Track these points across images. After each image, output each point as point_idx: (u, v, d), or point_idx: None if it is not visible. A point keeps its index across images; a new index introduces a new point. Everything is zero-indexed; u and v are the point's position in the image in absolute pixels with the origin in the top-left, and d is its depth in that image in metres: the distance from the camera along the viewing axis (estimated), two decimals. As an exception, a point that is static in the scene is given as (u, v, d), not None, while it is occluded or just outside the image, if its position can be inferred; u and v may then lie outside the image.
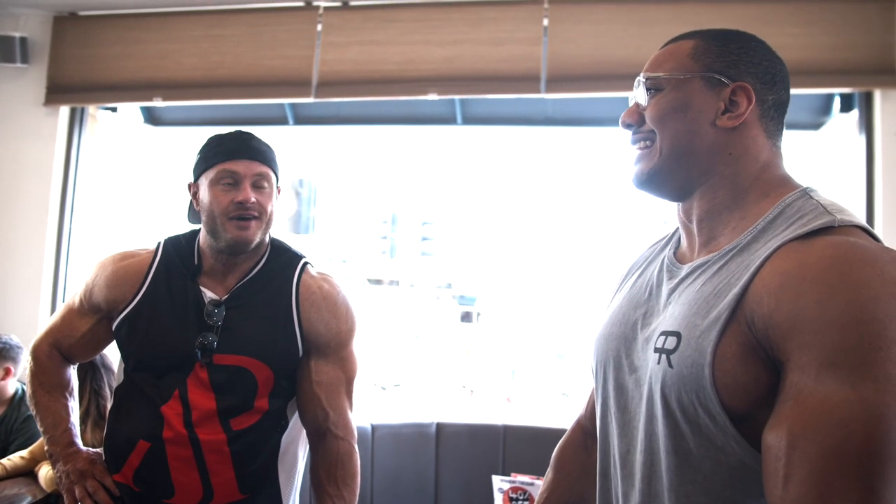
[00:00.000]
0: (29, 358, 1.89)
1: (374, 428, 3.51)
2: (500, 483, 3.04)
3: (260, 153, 1.77)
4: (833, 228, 0.93)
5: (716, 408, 0.92)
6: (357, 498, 1.82)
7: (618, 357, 1.13)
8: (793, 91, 1.12)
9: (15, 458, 3.08)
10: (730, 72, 1.06)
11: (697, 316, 0.97)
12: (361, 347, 1.90)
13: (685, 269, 1.08)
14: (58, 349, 1.88)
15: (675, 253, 1.16)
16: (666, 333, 1.00)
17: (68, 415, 1.87)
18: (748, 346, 0.91)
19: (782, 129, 1.10)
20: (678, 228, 1.18)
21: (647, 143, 1.11)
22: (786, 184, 1.06)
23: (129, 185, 4.44)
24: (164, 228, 1.93)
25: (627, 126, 1.14)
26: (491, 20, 3.71)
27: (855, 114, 3.51)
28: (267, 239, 1.85)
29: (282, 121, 4.16)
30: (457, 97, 3.88)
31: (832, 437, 0.81)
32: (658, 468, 1.01)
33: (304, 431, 1.88)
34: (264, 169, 1.76)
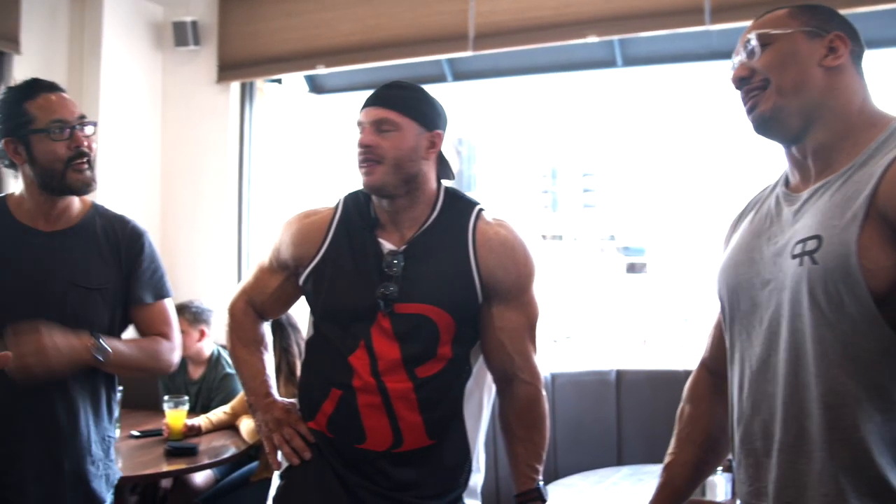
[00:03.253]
0: (227, 315, 1.99)
1: (554, 377, 3.51)
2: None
3: (383, 98, 1.76)
4: None
5: (863, 291, 1.08)
6: (546, 441, 1.82)
7: (748, 279, 1.29)
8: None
9: (219, 413, 3.34)
10: (825, 26, 1.27)
11: (834, 219, 1.14)
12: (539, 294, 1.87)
13: (805, 193, 1.25)
14: (252, 306, 1.97)
15: (785, 189, 1.34)
16: (804, 240, 1.17)
17: (264, 367, 1.96)
18: (885, 237, 1.09)
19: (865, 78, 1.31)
20: (780, 176, 1.37)
21: (759, 91, 1.28)
22: (887, 116, 1.26)
23: (299, 153, 4.62)
24: (337, 192, 1.96)
25: (741, 81, 1.31)
26: (650, -50, 3.52)
27: None
28: (433, 186, 1.84)
29: (440, 78, 4.16)
30: (616, 37, 3.72)
31: None
32: (804, 360, 1.15)
33: (488, 377, 1.89)
34: (384, 113, 1.73)
